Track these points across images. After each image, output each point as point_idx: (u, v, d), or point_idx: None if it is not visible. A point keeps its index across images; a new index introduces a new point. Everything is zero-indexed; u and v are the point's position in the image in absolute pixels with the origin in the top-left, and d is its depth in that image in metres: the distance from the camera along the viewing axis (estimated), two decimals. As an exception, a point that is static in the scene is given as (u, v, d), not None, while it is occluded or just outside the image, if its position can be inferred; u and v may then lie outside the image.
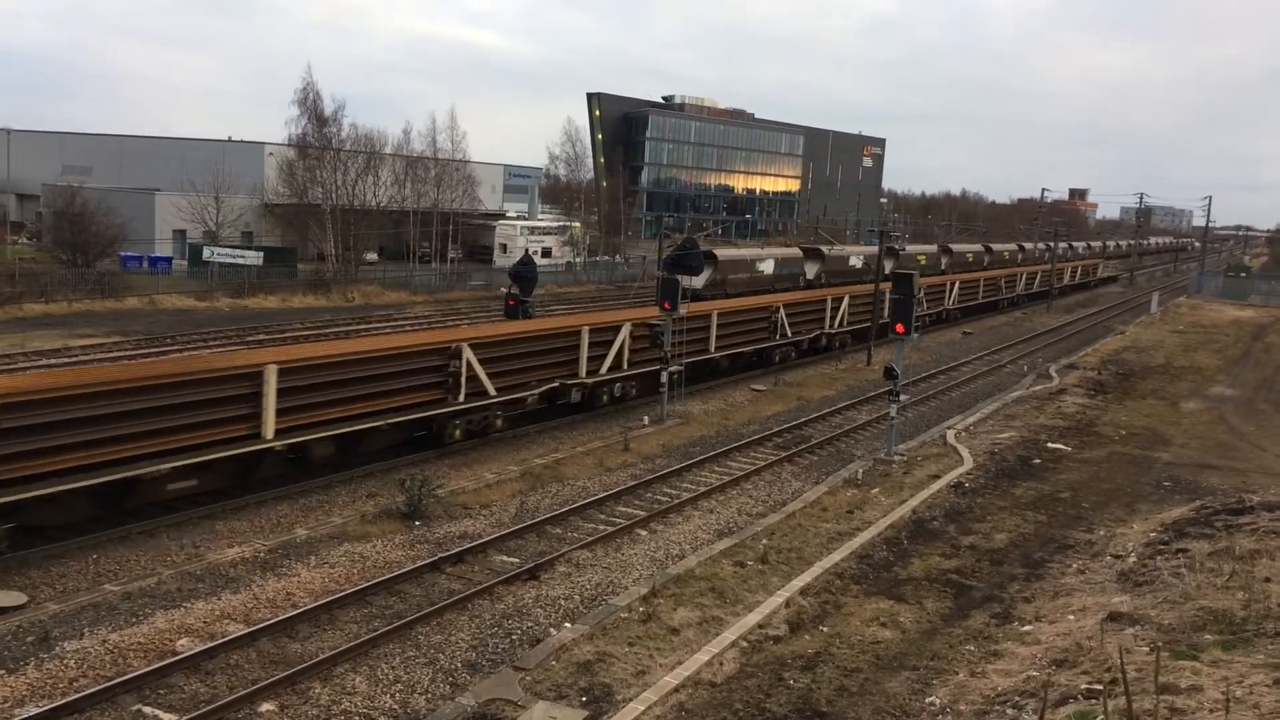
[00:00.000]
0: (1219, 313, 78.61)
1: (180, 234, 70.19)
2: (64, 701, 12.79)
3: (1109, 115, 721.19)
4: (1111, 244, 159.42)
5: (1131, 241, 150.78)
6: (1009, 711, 12.18)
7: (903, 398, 29.64)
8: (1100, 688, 11.70)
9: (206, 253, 62.35)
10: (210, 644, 14.56)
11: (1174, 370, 47.81)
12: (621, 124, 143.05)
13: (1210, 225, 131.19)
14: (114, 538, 18.50)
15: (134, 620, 15.41)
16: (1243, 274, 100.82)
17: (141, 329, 43.58)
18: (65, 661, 13.97)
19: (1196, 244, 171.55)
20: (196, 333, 42.70)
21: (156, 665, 13.85)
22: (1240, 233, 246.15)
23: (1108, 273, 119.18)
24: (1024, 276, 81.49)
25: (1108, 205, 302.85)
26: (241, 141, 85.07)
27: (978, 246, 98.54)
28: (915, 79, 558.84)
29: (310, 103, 72.03)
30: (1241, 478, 27.21)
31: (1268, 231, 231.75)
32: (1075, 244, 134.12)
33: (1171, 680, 11.59)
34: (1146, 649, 13.03)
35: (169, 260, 66.01)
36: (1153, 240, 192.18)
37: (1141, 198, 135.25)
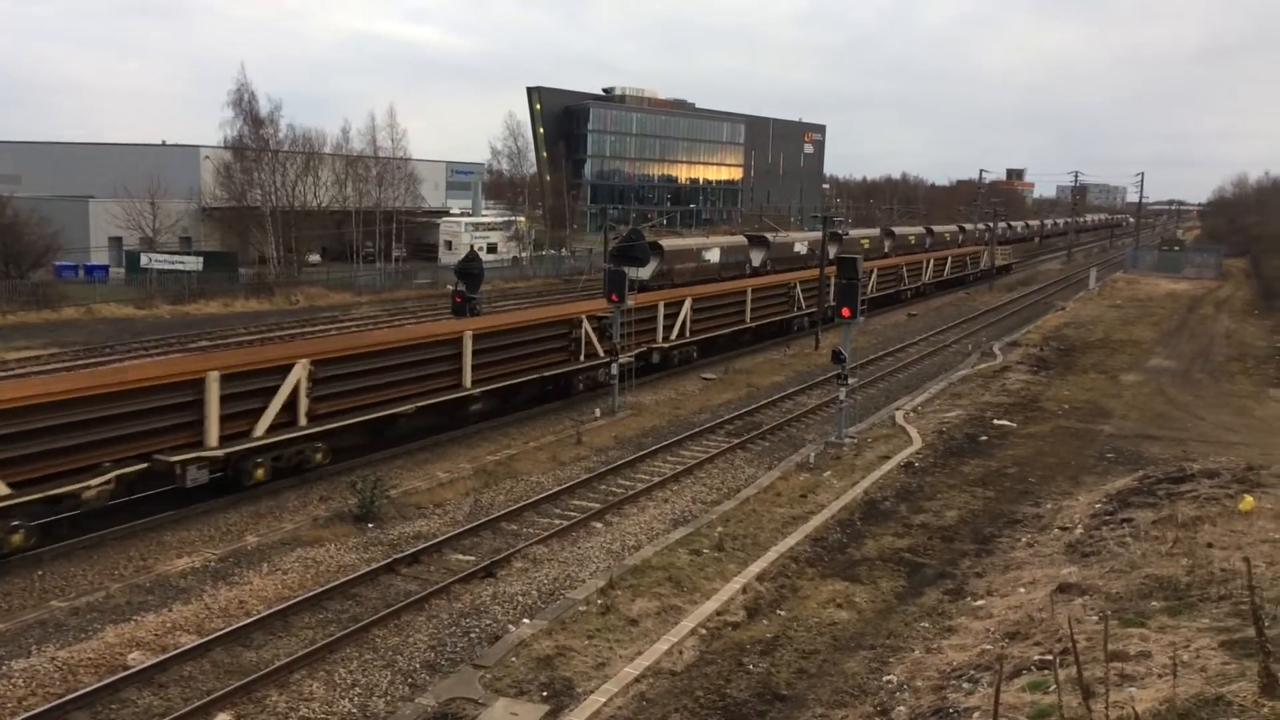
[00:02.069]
0: (1155, 286, 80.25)
1: (116, 241, 68.76)
2: (13, 722, 12.53)
3: (1045, 97, 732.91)
4: (1049, 222, 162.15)
5: (1068, 219, 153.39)
6: (964, 685, 12.36)
7: (851, 381, 29.93)
8: (1052, 658, 11.91)
9: (144, 259, 61.12)
10: (162, 656, 14.33)
11: (1113, 344, 48.75)
12: (563, 117, 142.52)
13: (1144, 201, 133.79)
14: (58, 553, 18.14)
15: (83, 636, 15.13)
16: (1176, 248, 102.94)
17: (80, 339, 42.69)
18: (13, 681, 13.67)
19: (1131, 220, 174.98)
20: (137, 341, 41.90)
21: (108, 680, 13.61)
22: (1173, 207, 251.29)
23: (1002, 260, 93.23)
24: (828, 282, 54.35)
25: (1044, 185, 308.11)
26: (176, 145, 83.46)
27: (919, 229, 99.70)
28: (855, 65, 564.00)
29: (245, 103, 70.93)
30: (1181, 447, 27.83)
31: (1199, 205, 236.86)
32: (1014, 223, 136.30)
33: (1121, 648, 11.83)
34: (1096, 618, 13.29)
35: (106, 269, 64.65)
36: (1089, 217, 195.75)
37: (1076, 176, 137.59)
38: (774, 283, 49.05)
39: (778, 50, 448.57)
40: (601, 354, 32.28)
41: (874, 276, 57.17)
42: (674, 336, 37.56)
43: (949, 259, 78.92)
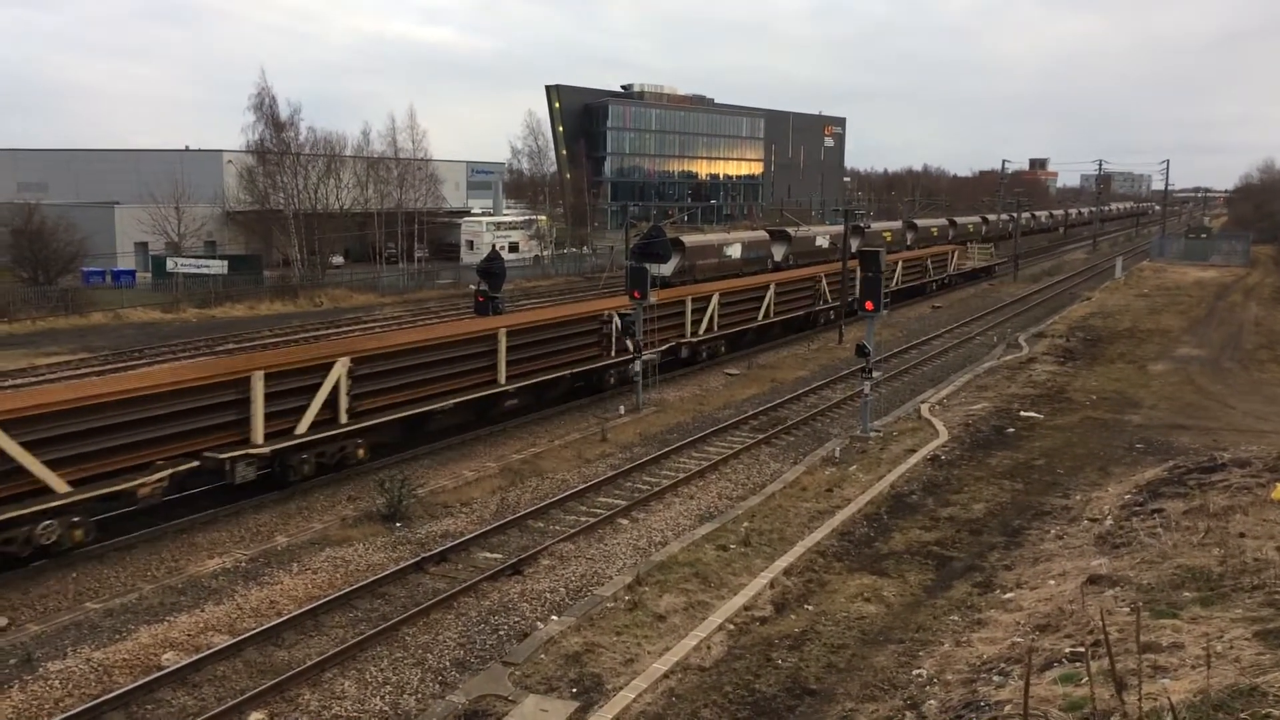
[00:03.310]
0: (1182, 274, 79.48)
1: (142, 246, 69.41)
2: (51, 723, 12.69)
3: (1067, 86, 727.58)
4: (1074, 211, 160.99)
5: (1093, 208, 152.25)
6: (995, 678, 12.30)
7: (875, 374, 29.83)
8: (1083, 650, 11.83)
9: (170, 264, 61.63)
10: (196, 656, 14.48)
11: (1141, 333, 48.32)
12: (582, 115, 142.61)
13: (1169, 188, 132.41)
14: (91, 555, 18.34)
15: (117, 637, 15.29)
16: (1203, 235, 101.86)
17: (108, 344, 43.13)
18: (50, 682, 13.85)
19: (1157, 207, 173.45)
20: (166, 345, 42.27)
21: (143, 681, 13.76)
22: (1199, 194, 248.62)
23: (981, 261, 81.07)
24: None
25: (1068, 174, 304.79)
26: (199, 150, 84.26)
27: (942, 220, 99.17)
28: (871, 58, 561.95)
29: (266, 107, 71.38)
30: (1212, 436, 27.56)
31: (1225, 192, 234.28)
32: (1038, 213, 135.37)
33: (1153, 639, 11.74)
34: (1127, 609, 13.19)
35: (132, 274, 65.24)
36: (1114, 206, 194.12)
37: (1100, 164, 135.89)
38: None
39: (792, 45, 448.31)
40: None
41: (771, 297, 43.05)
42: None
43: (898, 265, 60.44)
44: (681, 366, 36.93)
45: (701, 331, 37.94)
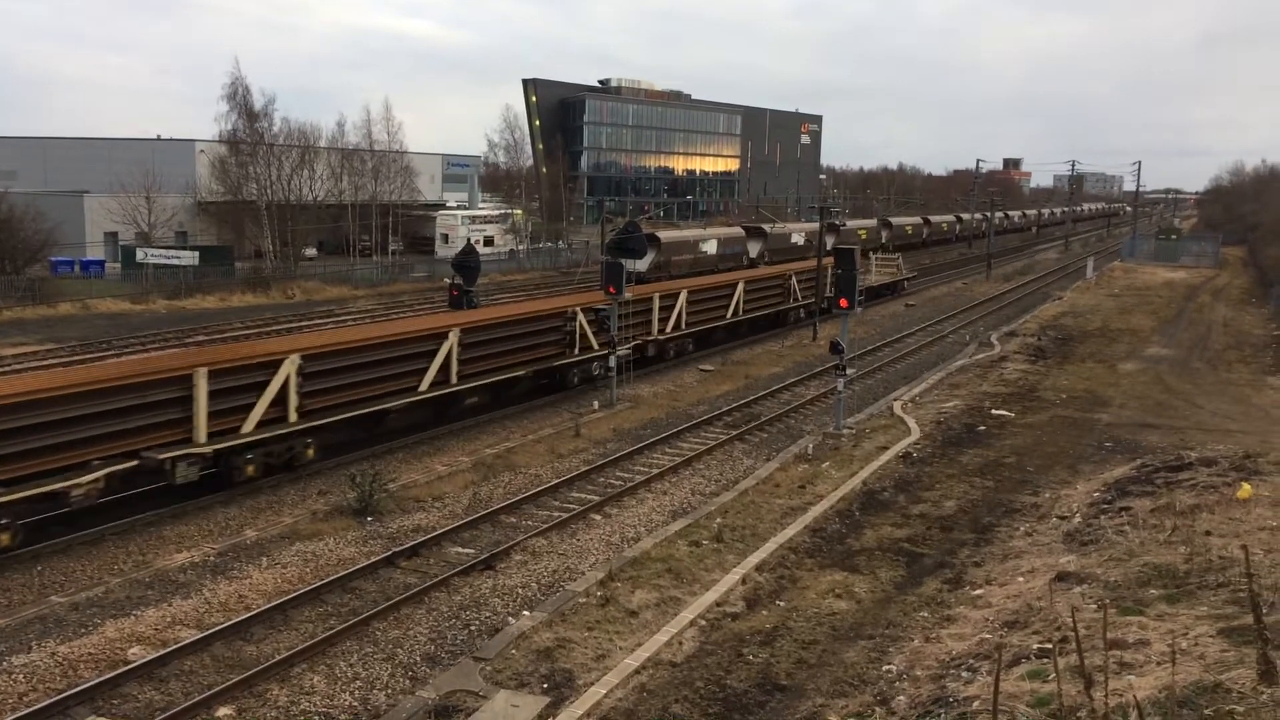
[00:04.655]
0: (1152, 275, 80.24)
1: (112, 236, 68.61)
2: (14, 717, 12.53)
3: (1042, 87, 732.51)
4: (1046, 211, 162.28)
5: (1065, 208, 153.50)
6: (964, 674, 12.38)
7: (849, 372, 29.94)
8: (1051, 646, 11.92)
9: (140, 254, 61.03)
10: (163, 651, 14.35)
11: (1111, 333, 48.75)
12: (559, 109, 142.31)
13: (1141, 190, 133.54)
14: (57, 549, 18.14)
15: (83, 631, 15.13)
16: (1173, 236, 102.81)
17: (76, 335, 42.60)
18: (14, 676, 13.68)
19: (1128, 208, 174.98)
20: (134, 336, 41.79)
21: (108, 675, 13.63)
22: (1170, 196, 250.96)
23: (882, 277, 63.41)
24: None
25: (1041, 174, 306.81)
26: (171, 140, 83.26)
27: (917, 219, 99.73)
28: (851, 56, 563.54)
29: (239, 98, 70.75)
30: (1179, 435, 27.85)
31: (1196, 194, 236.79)
32: (1011, 212, 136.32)
33: (1120, 636, 11.85)
34: (1094, 607, 13.30)
35: (101, 264, 64.50)
36: (1086, 206, 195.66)
37: (1073, 165, 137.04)
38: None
39: (775, 42, 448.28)
40: None
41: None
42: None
43: (738, 287, 42.59)
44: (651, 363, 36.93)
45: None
